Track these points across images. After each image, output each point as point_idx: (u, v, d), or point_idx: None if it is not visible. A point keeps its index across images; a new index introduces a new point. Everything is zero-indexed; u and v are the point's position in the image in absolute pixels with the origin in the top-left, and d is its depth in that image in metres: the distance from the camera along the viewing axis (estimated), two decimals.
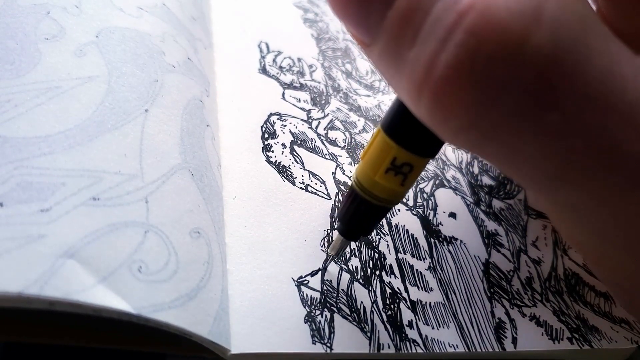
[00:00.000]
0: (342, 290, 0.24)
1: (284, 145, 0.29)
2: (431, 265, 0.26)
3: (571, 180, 0.15)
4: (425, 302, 0.25)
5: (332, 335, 0.22)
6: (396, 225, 0.27)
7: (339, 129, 0.31)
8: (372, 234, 0.26)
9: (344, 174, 0.29)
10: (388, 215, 0.28)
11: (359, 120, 0.32)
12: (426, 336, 0.23)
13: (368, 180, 0.20)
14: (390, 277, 0.25)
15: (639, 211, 0.16)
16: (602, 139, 0.14)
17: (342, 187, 0.28)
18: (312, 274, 0.24)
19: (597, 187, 0.15)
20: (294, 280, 0.23)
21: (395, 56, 0.15)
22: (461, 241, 0.28)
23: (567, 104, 0.14)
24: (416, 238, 0.27)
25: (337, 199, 0.27)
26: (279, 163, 0.28)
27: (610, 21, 0.17)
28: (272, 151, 0.28)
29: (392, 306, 0.24)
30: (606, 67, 0.14)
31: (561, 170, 0.15)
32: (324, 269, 0.24)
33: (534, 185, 0.17)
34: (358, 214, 0.22)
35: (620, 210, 0.16)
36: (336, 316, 0.23)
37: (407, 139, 0.19)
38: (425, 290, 0.25)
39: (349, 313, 0.23)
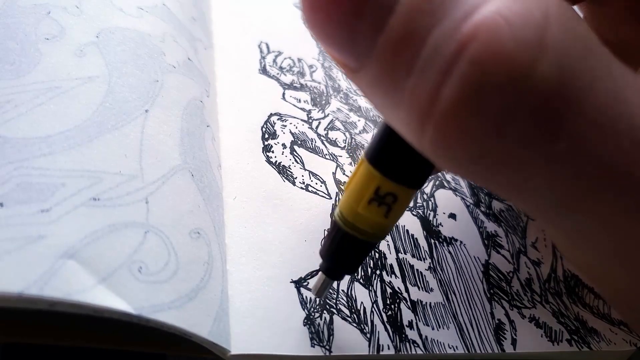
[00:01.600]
0: (342, 290, 0.24)
1: (284, 146, 0.29)
2: (431, 265, 0.26)
3: (579, 207, 0.15)
4: (426, 303, 0.25)
5: (331, 337, 0.22)
6: (396, 226, 0.27)
7: (339, 129, 0.31)
8: None
9: (344, 174, 0.29)
10: None
11: (359, 120, 0.32)
12: (426, 337, 0.23)
13: (351, 212, 0.19)
14: (391, 276, 0.25)
15: None
16: (612, 165, 0.14)
17: (343, 187, 0.28)
18: (312, 274, 0.24)
19: (606, 212, 0.15)
20: (293, 281, 0.23)
21: (388, 86, 0.14)
22: (461, 242, 0.28)
23: (575, 131, 0.13)
24: (416, 238, 0.27)
25: (337, 198, 0.27)
26: (279, 163, 0.28)
27: (596, 32, 0.17)
28: (272, 151, 0.28)
29: (392, 306, 0.24)
30: (611, 91, 0.14)
31: (569, 198, 0.15)
32: None
33: (540, 214, 0.17)
34: (342, 250, 0.20)
35: (629, 233, 0.16)
36: (335, 318, 0.23)
37: (391, 169, 0.18)
38: (426, 291, 0.25)
39: (348, 314, 0.23)
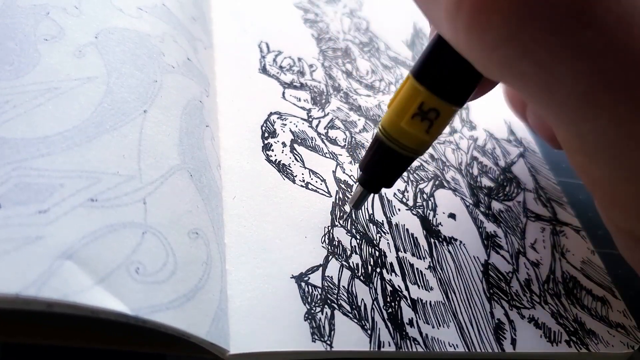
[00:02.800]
0: (343, 286, 0.24)
1: (284, 144, 0.29)
2: (431, 264, 0.26)
3: (600, 103, 0.15)
4: (426, 301, 0.25)
5: (332, 332, 0.22)
6: (396, 225, 0.27)
7: (339, 128, 0.31)
8: (373, 231, 0.26)
9: (344, 172, 0.29)
10: (388, 214, 0.28)
11: (359, 119, 0.32)
12: (426, 335, 0.23)
13: (394, 127, 0.20)
14: (391, 275, 0.25)
15: None
16: (636, 60, 0.14)
17: (343, 186, 0.28)
18: (313, 270, 0.24)
19: (625, 111, 0.15)
20: (294, 277, 0.23)
21: None
22: (460, 242, 0.28)
23: (603, 21, 0.14)
24: (416, 237, 0.27)
25: (337, 197, 0.27)
26: (279, 162, 0.28)
27: None
28: (272, 150, 0.28)
29: (392, 304, 0.24)
30: None
31: (592, 91, 0.15)
32: (324, 265, 0.24)
33: (560, 113, 0.17)
34: (382, 163, 0.21)
35: None
36: (337, 313, 0.23)
37: (436, 84, 0.19)
38: (426, 289, 0.25)
39: (349, 310, 0.23)
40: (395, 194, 0.29)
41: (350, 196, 0.24)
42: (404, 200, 0.29)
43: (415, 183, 0.30)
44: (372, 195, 0.27)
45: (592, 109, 0.16)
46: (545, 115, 0.18)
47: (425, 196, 0.29)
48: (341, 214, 0.26)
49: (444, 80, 0.19)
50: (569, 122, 0.17)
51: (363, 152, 0.30)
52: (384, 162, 0.21)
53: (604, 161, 0.18)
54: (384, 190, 0.29)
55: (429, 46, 0.19)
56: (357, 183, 0.23)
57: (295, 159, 0.28)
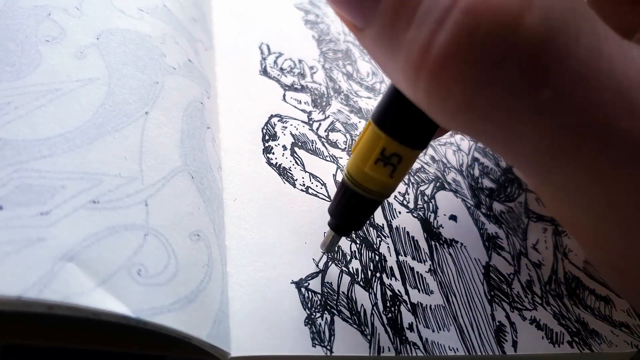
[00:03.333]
0: (343, 292, 0.24)
1: (284, 147, 0.29)
2: (432, 267, 0.26)
3: (564, 158, 0.16)
4: (426, 305, 0.25)
5: (332, 338, 0.22)
6: (397, 228, 0.27)
7: (340, 130, 0.31)
8: (373, 235, 0.26)
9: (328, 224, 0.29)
10: (389, 217, 0.28)
11: (360, 122, 0.32)
12: (426, 339, 0.23)
13: (358, 172, 0.20)
14: (391, 279, 0.25)
15: (629, 187, 0.16)
16: (594, 117, 0.15)
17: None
18: (313, 276, 0.24)
19: (589, 165, 0.16)
20: (294, 282, 0.23)
21: (390, 39, 0.15)
22: (462, 244, 0.28)
23: (559, 82, 0.14)
24: (417, 240, 0.27)
25: None
26: (280, 165, 0.28)
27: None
28: (273, 153, 0.28)
29: (392, 309, 0.24)
30: (595, 46, 0.14)
31: (555, 148, 0.15)
32: (324, 271, 0.24)
33: (527, 166, 0.17)
34: (349, 208, 0.22)
35: (612, 187, 0.16)
36: (336, 319, 0.23)
37: (396, 130, 0.19)
38: (426, 293, 0.25)
39: (349, 316, 0.23)
40: (395, 196, 0.29)
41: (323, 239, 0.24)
42: (405, 202, 0.29)
43: (416, 185, 0.30)
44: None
45: (557, 163, 0.16)
46: (514, 165, 0.19)
47: (426, 198, 0.29)
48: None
49: (403, 127, 0.19)
50: (537, 174, 0.18)
51: None
52: (351, 206, 0.22)
53: (575, 207, 0.19)
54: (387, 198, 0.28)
55: (388, 92, 0.19)
56: (329, 227, 0.23)
57: (296, 162, 0.28)
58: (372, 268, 0.25)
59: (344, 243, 0.25)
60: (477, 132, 0.16)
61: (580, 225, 0.20)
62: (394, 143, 0.19)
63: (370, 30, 0.16)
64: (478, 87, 0.14)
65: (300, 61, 0.34)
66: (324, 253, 0.25)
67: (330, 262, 0.24)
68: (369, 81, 0.35)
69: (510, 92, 0.14)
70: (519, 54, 0.14)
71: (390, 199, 0.28)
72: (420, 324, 0.24)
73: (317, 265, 0.24)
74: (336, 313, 0.23)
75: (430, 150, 0.32)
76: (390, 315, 0.24)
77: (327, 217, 0.26)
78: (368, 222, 0.27)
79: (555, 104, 0.14)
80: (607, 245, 0.20)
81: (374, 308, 0.24)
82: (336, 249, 0.25)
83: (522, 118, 0.15)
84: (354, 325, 0.23)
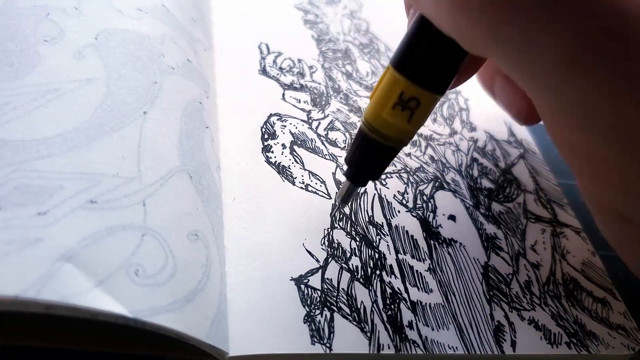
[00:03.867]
0: (343, 289, 0.24)
1: (283, 146, 0.29)
2: (431, 266, 0.26)
3: (583, 68, 0.16)
4: (425, 303, 0.25)
5: (331, 335, 0.22)
6: (396, 226, 0.27)
7: (339, 129, 0.31)
8: (372, 234, 0.26)
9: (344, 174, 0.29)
10: (388, 216, 0.28)
11: (359, 121, 0.32)
12: (426, 337, 0.23)
13: (376, 118, 0.20)
14: (391, 277, 0.25)
15: None
16: (617, 26, 0.15)
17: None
18: (313, 272, 0.24)
19: (607, 79, 0.15)
20: (293, 279, 0.23)
21: None
22: (460, 243, 0.28)
23: None
24: (416, 239, 0.27)
25: (337, 198, 0.27)
26: (279, 163, 0.28)
27: None
28: (272, 152, 0.28)
29: (392, 306, 0.24)
30: None
31: (575, 56, 0.15)
32: (324, 267, 0.24)
33: (543, 82, 0.17)
34: (366, 155, 0.21)
35: (630, 105, 0.16)
36: (336, 316, 0.23)
37: (415, 72, 0.19)
38: (425, 291, 0.25)
39: (349, 312, 0.23)
40: (395, 195, 0.29)
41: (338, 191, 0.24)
42: (404, 202, 0.29)
43: (415, 185, 0.30)
44: (364, 191, 0.28)
45: (575, 74, 0.16)
46: (527, 85, 0.18)
47: (425, 198, 0.29)
48: (340, 216, 0.26)
49: (422, 69, 0.19)
50: (551, 89, 0.17)
51: None
52: (368, 154, 0.21)
53: (586, 128, 0.18)
54: (383, 192, 0.29)
55: (407, 35, 0.19)
56: (345, 177, 0.23)
57: (295, 160, 0.28)
58: (372, 265, 0.25)
59: (344, 240, 0.25)
60: (497, 42, 0.16)
61: (585, 153, 0.19)
62: (412, 86, 0.19)
63: None
64: None
65: (299, 60, 0.34)
66: (339, 206, 0.24)
67: (330, 259, 0.24)
68: (368, 81, 0.35)
69: None
70: None
71: (390, 198, 0.28)
72: (419, 322, 0.24)
73: (318, 261, 0.24)
74: (336, 310, 0.23)
75: (429, 150, 0.32)
76: (390, 312, 0.24)
77: (327, 215, 0.26)
78: (368, 219, 0.27)
79: (576, 11, 0.15)
80: (615, 179, 0.19)
81: (374, 305, 0.24)
82: (335, 244, 0.25)
83: (543, 21, 0.15)
84: (354, 323, 0.23)
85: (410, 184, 0.30)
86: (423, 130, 0.33)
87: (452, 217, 0.29)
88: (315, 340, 0.22)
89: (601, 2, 0.15)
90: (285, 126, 0.30)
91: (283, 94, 0.32)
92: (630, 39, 0.15)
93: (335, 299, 0.23)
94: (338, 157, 0.29)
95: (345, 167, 0.23)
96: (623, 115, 0.16)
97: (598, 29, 0.15)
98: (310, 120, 0.31)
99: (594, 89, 0.16)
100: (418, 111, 0.19)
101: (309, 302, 0.23)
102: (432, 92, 0.19)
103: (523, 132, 0.37)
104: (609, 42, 0.15)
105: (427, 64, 0.19)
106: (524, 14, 0.15)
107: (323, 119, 0.31)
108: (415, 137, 0.33)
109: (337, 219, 0.25)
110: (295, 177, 0.27)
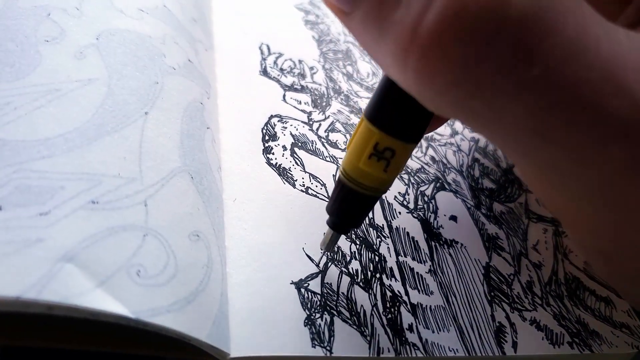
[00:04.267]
0: (342, 293, 0.24)
1: (284, 148, 0.29)
2: (432, 268, 0.26)
3: (551, 137, 0.16)
4: (426, 306, 0.25)
5: (331, 338, 0.22)
6: (397, 228, 0.27)
7: (340, 131, 0.31)
8: (373, 236, 0.26)
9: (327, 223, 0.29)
10: (389, 218, 0.28)
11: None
12: (426, 340, 0.23)
13: (353, 168, 0.20)
14: (391, 280, 0.25)
15: (616, 168, 0.16)
16: (582, 95, 0.15)
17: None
18: (313, 276, 0.24)
19: (577, 143, 0.16)
20: (294, 282, 0.23)
21: (378, 21, 0.16)
22: (462, 244, 0.28)
23: (547, 60, 0.14)
24: (417, 241, 0.27)
25: None
26: (280, 165, 0.28)
27: None
28: (273, 153, 0.28)
29: (392, 309, 0.24)
30: (581, 25, 0.15)
31: (542, 127, 0.16)
32: (324, 272, 0.24)
33: (515, 146, 0.17)
34: (346, 205, 0.22)
35: (599, 166, 0.16)
36: (336, 319, 0.23)
37: (388, 124, 0.19)
38: (426, 294, 0.25)
39: (349, 316, 0.23)
40: (396, 197, 0.29)
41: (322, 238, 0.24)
42: (405, 203, 0.29)
43: (416, 185, 0.30)
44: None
45: (544, 141, 0.16)
46: (500, 147, 0.19)
47: (426, 199, 0.29)
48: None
49: (396, 121, 0.19)
50: (521, 153, 0.18)
51: None
52: (348, 203, 0.22)
53: (562, 187, 0.19)
54: (384, 194, 0.29)
55: (379, 88, 0.19)
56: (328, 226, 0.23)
57: (296, 162, 0.28)
58: (371, 269, 0.25)
59: (344, 244, 0.25)
60: (464, 113, 0.16)
61: (568, 207, 0.20)
62: (386, 137, 0.19)
63: (357, 13, 0.16)
64: (466, 65, 0.14)
65: (300, 61, 0.34)
66: (323, 252, 0.25)
67: (330, 263, 0.24)
68: (369, 82, 0.35)
69: (498, 70, 0.14)
70: (507, 33, 0.14)
71: (390, 200, 0.28)
72: (420, 324, 0.24)
73: (317, 266, 0.24)
74: (336, 314, 0.23)
75: (430, 151, 0.32)
76: (390, 316, 0.24)
77: (327, 217, 0.26)
78: (368, 222, 0.27)
79: (542, 82, 0.15)
80: (595, 229, 0.20)
81: (374, 309, 0.24)
82: (336, 248, 0.25)
83: (509, 96, 0.15)
84: (354, 326, 0.23)
85: (411, 185, 0.30)
86: None
87: (453, 218, 0.29)
88: (316, 343, 0.22)
89: (568, 76, 0.15)
90: (286, 128, 0.30)
91: (284, 95, 0.32)
92: (599, 110, 0.15)
93: (335, 303, 0.23)
94: (339, 159, 0.29)
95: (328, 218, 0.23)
96: (590, 175, 0.17)
97: (565, 101, 0.15)
98: (311, 122, 0.31)
99: (564, 153, 0.16)
100: (394, 161, 0.20)
101: (309, 305, 0.23)
102: (405, 142, 0.19)
103: None
104: (574, 112, 0.15)
105: (399, 117, 0.19)
106: (490, 91, 0.15)
107: (324, 120, 0.31)
108: None
109: (323, 259, 0.25)
110: (296, 180, 0.27)
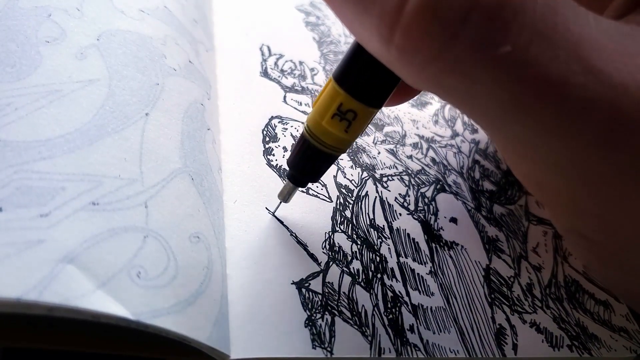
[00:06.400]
0: (344, 293, 0.24)
1: (285, 149, 0.29)
2: (432, 269, 0.26)
3: (523, 111, 0.17)
4: (427, 307, 0.25)
5: (332, 339, 0.22)
6: (397, 229, 0.27)
7: None
8: (374, 237, 0.26)
9: (345, 177, 0.29)
10: (389, 219, 0.28)
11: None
12: (427, 341, 0.23)
13: (316, 126, 0.21)
14: (392, 280, 0.25)
15: (584, 142, 0.17)
16: (550, 71, 0.16)
17: (344, 191, 0.28)
18: (314, 276, 0.24)
19: (547, 118, 0.17)
20: (294, 283, 0.23)
21: (363, 0, 0.16)
22: (462, 246, 0.28)
23: (518, 36, 0.15)
24: (417, 242, 0.27)
25: (338, 202, 0.27)
26: (280, 166, 0.28)
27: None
28: (273, 154, 0.28)
29: (393, 310, 0.24)
30: (550, 6, 0.16)
31: (515, 101, 0.16)
32: (325, 271, 0.24)
33: (490, 121, 0.18)
34: (305, 159, 0.23)
35: (567, 141, 0.17)
36: (337, 320, 0.23)
37: (354, 87, 0.20)
38: (427, 295, 0.25)
39: (350, 316, 0.23)
40: (396, 198, 0.29)
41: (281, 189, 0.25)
42: (406, 204, 0.29)
43: (416, 187, 0.30)
44: (365, 194, 0.28)
45: (516, 115, 0.17)
46: (474, 120, 0.20)
47: (426, 200, 0.29)
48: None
49: (361, 85, 0.20)
50: (497, 127, 0.19)
51: (364, 156, 0.30)
52: (308, 159, 0.23)
53: (533, 160, 0.20)
54: (385, 195, 0.29)
55: (349, 52, 0.20)
56: (286, 178, 0.25)
57: None
58: (372, 269, 0.25)
59: (345, 243, 0.25)
60: (442, 87, 0.17)
61: (545, 184, 0.21)
62: (351, 99, 0.20)
63: None
64: (444, 41, 0.15)
65: (301, 63, 0.34)
66: (280, 203, 0.25)
67: (331, 262, 0.24)
68: None
69: (472, 47, 0.15)
70: (480, 12, 0.15)
71: (391, 201, 0.28)
72: (421, 325, 0.24)
73: (319, 265, 0.24)
74: (337, 314, 0.23)
75: (431, 153, 0.32)
76: (391, 316, 0.24)
77: (328, 218, 0.26)
78: (369, 222, 0.27)
79: (513, 58, 0.16)
80: (567, 206, 0.21)
81: (375, 309, 0.24)
82: (337, 248, 0.25)
83: (483, 71, 0.16)
84: (355, 326, 0.23)
85: (411, 187, 0.30)
86: (424, 132, 0.33)
87: (453, 220, 0.29)
88: (317, 344, 0.22)
89: (536, 54, 0.16)
90: (286, 129, 0.30)
91: (284, 97, 0.32)
92: (566, 86, 0.16)
93: (336, 302, 0.23)
94: (339, 160, 0.29)
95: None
96: (563, 148, 0.18)
97: (534, 77, 0.16)
98: None
99: (536, 126, 0.17)
100: (355, 122, 0.21)
101: (309, 306, 0.23)
102: (368, 107, 0.20)
103: None
104: (547, 85, 0.16)
105: (365, 82, 0.20)
106: (467, 66, 0.16)
107: None
108: (417, 139, 0.33)
109: (274, 211, 0.26)
110: None
